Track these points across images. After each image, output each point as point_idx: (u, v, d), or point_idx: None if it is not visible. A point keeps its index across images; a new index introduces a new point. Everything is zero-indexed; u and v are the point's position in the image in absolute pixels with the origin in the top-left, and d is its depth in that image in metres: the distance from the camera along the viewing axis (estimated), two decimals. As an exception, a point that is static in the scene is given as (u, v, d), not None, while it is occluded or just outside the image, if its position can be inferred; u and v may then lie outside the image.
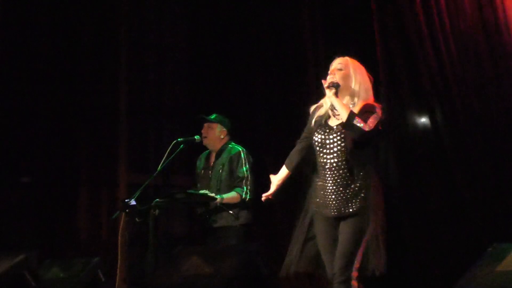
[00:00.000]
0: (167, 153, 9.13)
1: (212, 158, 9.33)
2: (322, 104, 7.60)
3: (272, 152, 11.53)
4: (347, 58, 7.59)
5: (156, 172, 9.14)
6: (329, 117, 7.49)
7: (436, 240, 10.30)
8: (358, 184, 7.25)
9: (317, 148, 7.45)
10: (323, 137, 7.40)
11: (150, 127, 11.55)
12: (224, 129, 9.30)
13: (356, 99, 7.37)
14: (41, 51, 11.16)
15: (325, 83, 7.32)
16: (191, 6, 12.83)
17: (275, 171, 11.11)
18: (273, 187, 7.77)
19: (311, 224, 7.52)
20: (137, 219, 9.44)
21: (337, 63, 7.52)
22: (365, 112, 7.26)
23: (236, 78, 12.28)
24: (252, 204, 9.17)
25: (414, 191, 10.03)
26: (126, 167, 11.04)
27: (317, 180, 7.47)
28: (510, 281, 5.54)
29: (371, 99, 7.43)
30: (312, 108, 7.74)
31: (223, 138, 9.30)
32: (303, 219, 7.61)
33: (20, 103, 11.02)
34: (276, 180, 7.81)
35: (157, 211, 9.10)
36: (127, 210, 9.23)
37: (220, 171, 9.15)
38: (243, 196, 9.00)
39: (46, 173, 10.99)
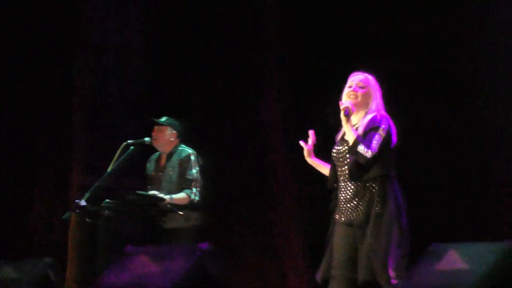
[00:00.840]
0: (117, 155, 9.22)
1: (163, 161, 9.35)
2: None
3: (225, 155, 11.60)
4: (367, 76, 7.66)
5: (106, 173, 9.22)
6: (344, 134, 7.56)
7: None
8: (367, 194, 7.35)
9: (334, 160, 7.60)
10: (339, 149, 7.53)
11: (103, 130, 11.54)
12: (174, 131, 9.31)
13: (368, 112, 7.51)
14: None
15: (342, 105, 7.38)
16: (151, 9, 12.77)
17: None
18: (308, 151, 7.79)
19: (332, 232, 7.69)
20: (87, 220, 9.51)
21: (358, 80, 7.59)
22: (370, 130, 7.37)
23: (191, 82, 12.29)
24: (204, 206, 9.24)
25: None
26: (79, 169, 11.04)
27: (337, 191, 7.61)
28: (448, 279, 5.62)
29: (380, 111, 7.54)
30: None
31: (173, 141, 9.31)
32: (331, 228, 7.75)
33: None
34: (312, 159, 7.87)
35: (107, 212, 9.21)
36: (77, 211, 9.32)
37: (171, 173, 9.18)
38: (192, 197, 9.05)
39: (1, 178, 11.03)
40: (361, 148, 7.21)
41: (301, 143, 7.74)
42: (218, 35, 12.29)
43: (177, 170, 9.18)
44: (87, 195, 9.24)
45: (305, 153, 7.76)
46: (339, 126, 7.61)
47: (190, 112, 11.03)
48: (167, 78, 12.31)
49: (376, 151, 7.24)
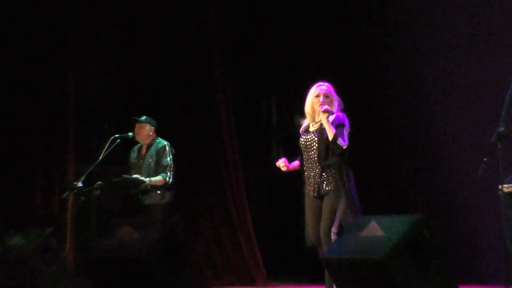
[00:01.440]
0: (106, 146, 9.20)
1: (143, 151, 9.29)
2: (308, 120, 7.76)
3: (189, 145, 11.57)
4: (329, 86, 7.73)
5: (98, 161, 9.18)
6: (309, 125, 7.70)
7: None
8: (328, 171, 7.47)
9: (301, 147, 7.68)
10: (306, 138, 7.64)
11: (93, 126, 11.48)
12: (152, 127, 9.30)
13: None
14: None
15: (323, 108, 7.47)
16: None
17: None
18: (285, 168, 7.80)
19: None
20: (82, 198, 9.49)
21: (324, 92, 7.65)
22: (339, 125, 7.49)
23: (154, 82, 12.18)
24: (175, 187, 9.24)
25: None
26: (74, 157, 10.96)
27: (305, 171, 7.67)
28: (370, 244, 5.63)
29: (339, 111, 7.63)
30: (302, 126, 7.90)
31: (151, 135, 9.27)
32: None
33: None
34: (289, 167, 7.82)
35: (98, 191, 9.21)
36: (74, 191, 9.31)
37: (150, 160, 9.14)
38: (167, 179, 9.03)
39: (9, 163, 10.94)
40: (340, 141, 7.37)
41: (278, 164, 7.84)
42: (173, 41, 12.13)
43: (155, 158, 9.15)
44: (81, 178, 9.22)
45: (283, 169, 7.85)
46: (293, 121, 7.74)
47: (154, 109, 10.90)
48: (141, 85, 12.20)
49: (348, 143, 7.42)
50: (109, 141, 9.18)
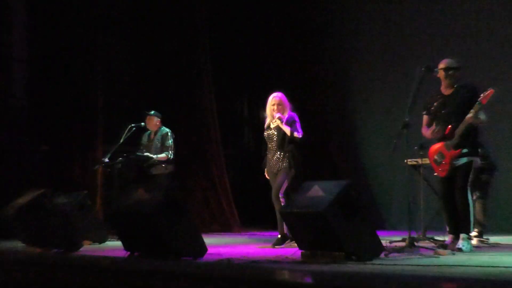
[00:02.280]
0: (125, 132, 9.22)
1: (152, 136, 9.23)
2: (269, 119, 7.84)
3: (184, 131, 11.50)
4: (280, 96, 7.76)
5: (119, 143, 9.20)
6: (269, 124, 7.79)
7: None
8: (283, 154, 7.58)
9: (266, 139, 7.81)
10: (268, 133, 7.76)
11: (116, 117, 11.38)
12: (158, 119, 9.27)
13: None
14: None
15: (276, 116, 7.62)
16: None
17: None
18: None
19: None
20: (108, 169, 9.50)
21: (277, 103, 7.70)
22: (292, 122, 7.59)
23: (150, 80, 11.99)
24: (175, 161, 9.23)
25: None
26: (102, 140, 10.92)
27: (268, 155, 7.78)
28: (314, 201, 5.58)
29: (290, 112, 7.70)
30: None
31: (158, 124, 9.23)
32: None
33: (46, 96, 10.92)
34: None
35: (119, 165, 9.23)
36: (103, 164, 9.35)
37: (157, 143, 9.11)
38: (169, 156, 9.01)
39: (56, 145, 10.89)
40: (296, 134, 7.54)
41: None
42: (166, 41, 11.90)
43: (160, 141, 9.14)
44: (107, 155, 9.23)
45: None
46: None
47: (160, 105, 10.76)
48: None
49: (302, 132, 7.58)
50: (127, 129, 9.23)
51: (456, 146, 6.38)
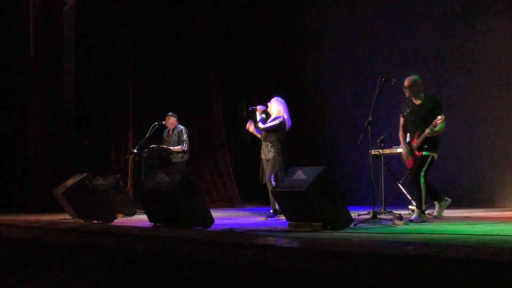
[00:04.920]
0: (150, 129, 9.18)
1: (170, 132, 9.16)
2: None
3: (196, 127, 11.46)
4: (273, 99, 7.63)
5: (145, 137, 9.16)
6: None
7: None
8: (270, 144, 7.48)
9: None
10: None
11: (143, 115, 11.38)
12: (175, 118, 9.21)
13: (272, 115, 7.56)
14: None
15: (258, 107, 7.59)
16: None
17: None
18: (251, 129, 7.73)
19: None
20: (137, 158, 9.47)
21: (270, 103, 7.60)
22: (272, 120, 7.51)
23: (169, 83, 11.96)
24: (189, 152, 9.18)
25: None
26: (132, 134, 10.92)
27: (262, 144, 7.67)
28: (298, 183, 5.56)
29: (279, 113, 7.54)
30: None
31: (174, 123, 9.17)
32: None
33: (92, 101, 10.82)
34: (250, 129, 7.75)
35: (146, 154, 9.19)
36: (132, 154, 9.31)
37: (174, 138, 9.06)
38: (184, 148, 8.97)
39: (96, 139, 10.89)
40: (260, 124, 7.51)
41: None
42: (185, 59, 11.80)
43: (177, 136, 9.09)
44: (136, 147, 9.21)
45: (250, 130, 7.78)
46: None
47: (178, 106, 10.75)
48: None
49: (272, 128, 7.41)
50: (151, 126, 9.19)
51: (419, 149, 6.42)
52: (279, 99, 7.70)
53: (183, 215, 5.85)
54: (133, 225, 6.58)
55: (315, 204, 5.37)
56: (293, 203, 5.62)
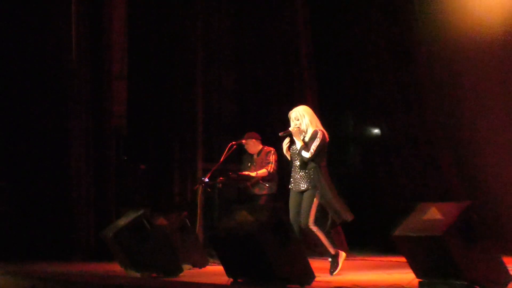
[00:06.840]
0: (226, 150, 9.21)
1: (255, 157, 9.31)
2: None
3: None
4: (299, 109, 7.57)
5: (220, 162, 9.22)
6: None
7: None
8: (307, 173, 7.37)
9: (291, 155, 7.55)
10: (293, 148, 7.50)
11: (215, 135, 11.55)
12: (258, 141, 9.35)
13: (306, 130, 7.43)
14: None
15: (292, 128, 7.47)
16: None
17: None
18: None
19: None
20: (208, 190, 9.51)
21: (294, 117, 7.51)
22: (311, 139, 7.36)
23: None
24: (278, 181, 9.25)
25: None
26: (202, 159, 11.05)
27: (292, 172, 7.61)
28: (430, 224, 5.46)
29: (316, 127, 7.45)
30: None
31: (258, 145, 9.32)
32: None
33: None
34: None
35: (220, 184, 9.23)
36: (203, 184, 9.39)
37: (260, 162, 9.19)
38: (269, 170, 9.09)
39: (155, 164, 11.08)
40: (304, 152, 7.32)
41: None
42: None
43: (264, 159, 9.18)
44: (208, 174, 9.28)
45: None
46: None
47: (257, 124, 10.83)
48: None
49: (314, 153, 7.29)
50: (228, 147, 9.21)
51: None
52: (306, 107, 7.59)
53: (273, 267, 5.78)
54: (205, 281, 6.59)
55: (455, 253, 5.18)
56: (421, 252, 5.48)
